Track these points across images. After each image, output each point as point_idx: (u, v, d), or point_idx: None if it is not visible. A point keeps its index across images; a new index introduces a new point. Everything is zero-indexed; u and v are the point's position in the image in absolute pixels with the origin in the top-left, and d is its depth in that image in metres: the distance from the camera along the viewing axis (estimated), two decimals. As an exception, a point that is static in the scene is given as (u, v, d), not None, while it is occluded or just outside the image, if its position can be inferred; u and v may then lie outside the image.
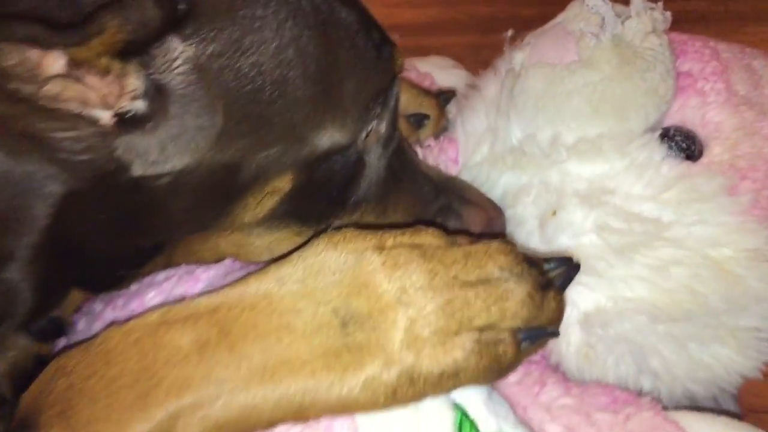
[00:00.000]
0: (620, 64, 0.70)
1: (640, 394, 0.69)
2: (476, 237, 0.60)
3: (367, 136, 0.64)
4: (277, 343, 0.51)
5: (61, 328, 0.67)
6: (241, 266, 0.65)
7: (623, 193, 0.70)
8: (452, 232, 0.59)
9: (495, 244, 0.56)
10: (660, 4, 0.74)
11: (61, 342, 0.67)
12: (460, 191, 0.75)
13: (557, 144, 0.72)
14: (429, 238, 0.56)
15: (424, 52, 1.78)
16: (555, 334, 0.56)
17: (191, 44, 0.52)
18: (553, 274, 0.57)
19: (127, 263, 0.64)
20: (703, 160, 0.71)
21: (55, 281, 0.60)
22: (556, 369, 0.72)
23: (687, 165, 0.70)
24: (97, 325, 0.63)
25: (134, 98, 0.51)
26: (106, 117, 0.51)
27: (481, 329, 0.53)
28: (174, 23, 0.51)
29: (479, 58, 1.77)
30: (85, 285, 0.66)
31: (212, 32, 0.53)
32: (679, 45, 0.77)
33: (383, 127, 0.65)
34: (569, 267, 0.58)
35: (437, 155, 0.82)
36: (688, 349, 0.70)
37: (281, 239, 0.64)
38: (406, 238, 0.56)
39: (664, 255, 0.67)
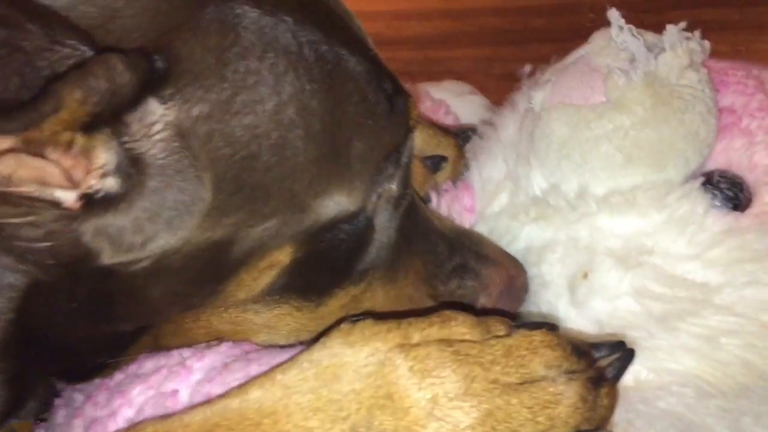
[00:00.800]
0: (655, 106, 0.62)
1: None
2: (509, 316, 0.52)
3: (378, 198, 0.56)
4: None
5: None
6: (241, 351, 0.57)
7: (663, 251, 0.62)
8: (482, 312, 0.52)
9: (539, 336, 0.48)
10: (697, 32, 0.65)
11: None
12: (477, 247, 0.67)
13: (585, 196, 0.64)
14: (460, 329, 0.48)
15: (433, 65, 1.71)
16: None
17: (172, 106, 0.45)
18: (604, 363, 0.49)
19: (106, 350, 0.56)
20: (753, 209, 0.63)
21: (25, 375, 0.53)
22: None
23: (735, 217, 0.62)
24: (77, 423, 0.56)
25: (104, 175, 0.43)
26: (70, 199, 0.43)
27: None
28: (151, 85, 0.43)
29: (491, 72, 1.70)
30: (61, 375, 0.59)
31: (198, 91, 0.45)
32: (718, 75, 0.68)
33: (395, 186, 0.58)
34: (623, 354, 0.50)
35: (450, 203, 0.74)
36: (742, 424, 0.62)
37: (280, 315, 0.57)
38: (434, 331, 0.48)
39: (713, 323, 0.60)
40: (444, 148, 0.86)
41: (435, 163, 0.83)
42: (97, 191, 0.44)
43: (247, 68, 0.47)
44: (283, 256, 0.52)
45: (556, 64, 0.71)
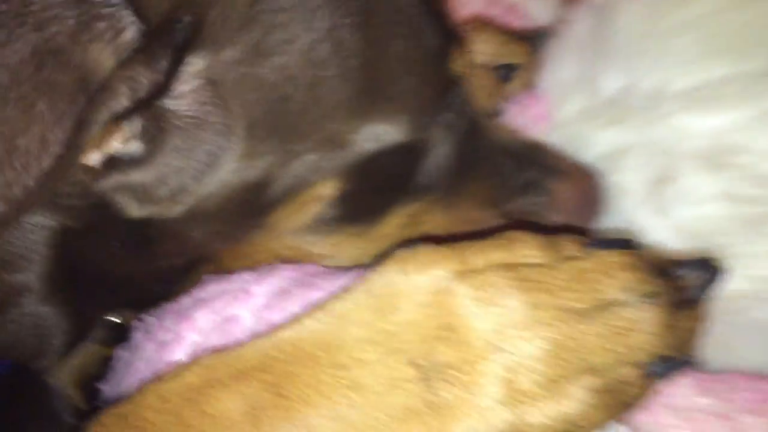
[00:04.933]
0: (738, -12, 0.55)
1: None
2: (582, 232, 0.48)
3: (430, 125, 0.54)
4: (347, 406, 0.42)
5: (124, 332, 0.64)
6: (302, 274, 0.56)
7: (753, 149, 0.56)
8: (551, 230, 0.47)
9: (615, 257, 0.44)
10: None
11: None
12: (546, 161, 0.64)
13: (664, 94, 0.59)
14: (526, 251, 0.45)
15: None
16: (691, 363, 0.45)
17: (203, 55, 0.44)
18: (687, 283, 0.45)
19: (163, 282, 0.57)
20: None
21: (86, 307, 0.56)
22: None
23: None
24: (149, 346, 0.58)
25: (128, 139, 0.43)
26: (93, 160, 0.43)
27: (600, 371, 0.42)
28: (182, 48, 0.42)
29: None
30: (127, 305, 0.61)
31: (228, 35, 0.44)
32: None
33: (449, 114, 0.55)
34: (709, 271, 0.46)
35: (521, 112, 0.70)
36: None
37: (339, 243, 0.56)
38: (497, 255, 0.44)
39: (812, 225, 0.54)
40: (515, 55, 0.80)
41: (506, 72, 0.78)
42: (119, 154, 0.44)
43: (279, 5, 0.44)
44: (328, 190, 0.51)
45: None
